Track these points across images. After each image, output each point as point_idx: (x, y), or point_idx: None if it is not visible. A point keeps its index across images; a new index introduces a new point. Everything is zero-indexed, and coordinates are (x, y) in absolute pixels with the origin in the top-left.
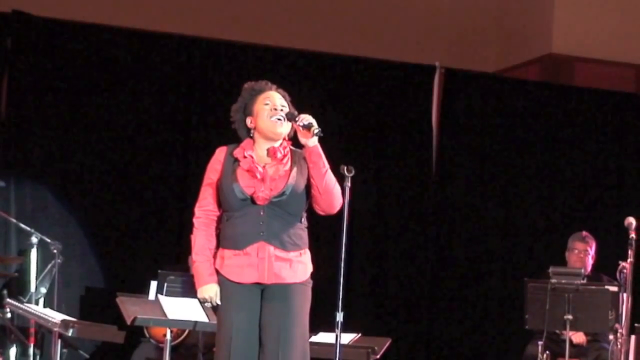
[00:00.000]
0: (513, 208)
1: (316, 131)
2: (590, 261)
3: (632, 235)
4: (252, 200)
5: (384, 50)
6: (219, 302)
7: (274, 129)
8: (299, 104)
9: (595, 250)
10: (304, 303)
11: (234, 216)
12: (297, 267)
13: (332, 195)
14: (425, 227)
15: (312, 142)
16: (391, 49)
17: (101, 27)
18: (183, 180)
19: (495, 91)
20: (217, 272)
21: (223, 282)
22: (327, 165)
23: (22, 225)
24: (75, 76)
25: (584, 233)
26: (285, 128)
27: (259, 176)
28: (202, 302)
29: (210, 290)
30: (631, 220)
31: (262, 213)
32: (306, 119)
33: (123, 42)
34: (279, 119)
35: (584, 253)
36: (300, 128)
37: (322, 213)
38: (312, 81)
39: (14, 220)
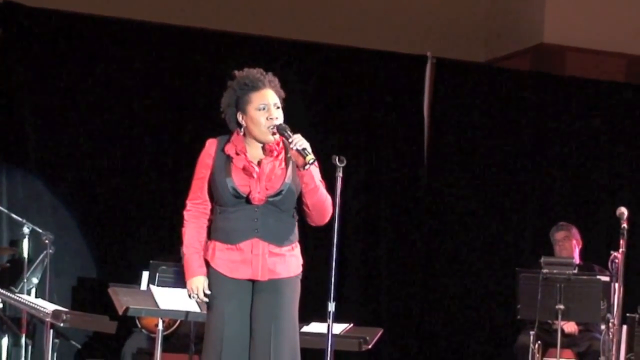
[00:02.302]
0: (504, 198)
1: (310, 161)
2: (575, 245)
3: (624, 225)
4: (247, 200)
5: (376, 40)
6: (207, 292)
7: (266, 138)
8: (291, 95)
9: (578, 234)
10: (294, 295)
11: (227, 210)
12: (290, 261)
13: (323, 210)
14: (417, 217)
15: (304, 167)
16: (382, 39)
17: (92, 17)
18: (175, 170)
19: (487, 81)
20: (208, 263)
21: (214, 274)
22: (318, 183)
23: (14, 216)
24: (67, 66)
25: (560, 223)
26: (276, 136)
27: (255, 176)
28: (189, 295)
29: (198, 282)
30: (623, 210)
31: (256, 210)
32: (300, 142)
33: (114, 31)
34: (273, 132)
35: (565, 240)
36: (293, 149)
37: (312, 224)
38: (303, 71)
39: (6, 211)
